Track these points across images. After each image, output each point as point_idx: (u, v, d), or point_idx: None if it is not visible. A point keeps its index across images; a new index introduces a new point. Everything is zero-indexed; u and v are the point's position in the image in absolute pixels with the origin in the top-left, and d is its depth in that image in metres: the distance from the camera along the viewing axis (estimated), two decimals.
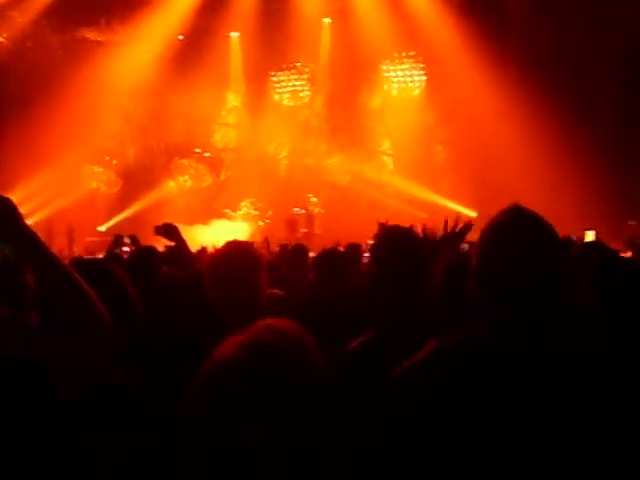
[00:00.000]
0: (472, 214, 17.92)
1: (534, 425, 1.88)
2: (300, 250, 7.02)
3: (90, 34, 21.91)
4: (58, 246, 17.44)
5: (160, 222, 4.92)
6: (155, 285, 4.52)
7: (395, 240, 3.08)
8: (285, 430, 1.54)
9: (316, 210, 21.33)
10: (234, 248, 3.21)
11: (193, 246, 5.17)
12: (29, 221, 2.10)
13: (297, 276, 6.04)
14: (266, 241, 11.13)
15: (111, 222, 20.95)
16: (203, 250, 7.99)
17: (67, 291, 2.07)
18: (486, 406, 1.90)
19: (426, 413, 1.95)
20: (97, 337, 2.10)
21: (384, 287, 2.96)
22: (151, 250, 5.64)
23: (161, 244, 5.80)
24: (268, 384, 1.55)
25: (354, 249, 7.18)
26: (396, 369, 2.06)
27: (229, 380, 1.57)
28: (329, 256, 5.07)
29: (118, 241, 8.71)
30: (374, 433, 2.04)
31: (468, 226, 3.95)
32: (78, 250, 18.34)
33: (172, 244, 4.88)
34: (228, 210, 22.92)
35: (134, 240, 7.81)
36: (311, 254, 7.20)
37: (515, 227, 2.05)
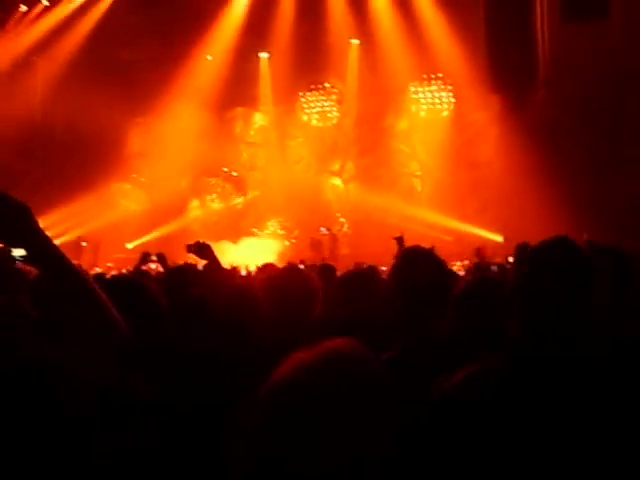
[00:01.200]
0: (498, 238, 17.86)
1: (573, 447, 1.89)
2: (327, 270, 7.02)
3: (125, 54, 22.13)
4: (86, 262, 17.63)
5: (187, 241, 4.94)
6: (185, 303, 4.54)
7: (417, 260, 3.09)
8: (347, 450, 1.53)
9: (343, 230, 21.32)
10: (294, 276, 3.24)
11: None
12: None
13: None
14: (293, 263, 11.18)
15: (139, 241, 21.05)
16: (234, 270, 8.00)
17: (81, 297, 2.09)
18: (526, 430, 1.91)
19: (468, 436, 1.95)
20: (111, 343, 2.12)
21: (405, 307, 2.96)
22: (183, 269, 5.63)
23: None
24: (334, 403, 1.54)
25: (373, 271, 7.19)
26: (434, 390, 2.07)
27: (294, 399, 1.56)
28: (353, 277, 5.05)
29: (145, 258, 8.76)
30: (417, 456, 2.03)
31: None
32: (102, 266, 18.45)
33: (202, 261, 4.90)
34: (255, 229, 23.00)
35: (161, 258, 7.86)
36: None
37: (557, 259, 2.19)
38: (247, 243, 22.21)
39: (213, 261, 4.68)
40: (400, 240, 6.65)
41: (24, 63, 21.83)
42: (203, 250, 4.71)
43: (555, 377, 1.96)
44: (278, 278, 3.24)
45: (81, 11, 21.79)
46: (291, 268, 3.36)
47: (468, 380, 2.04)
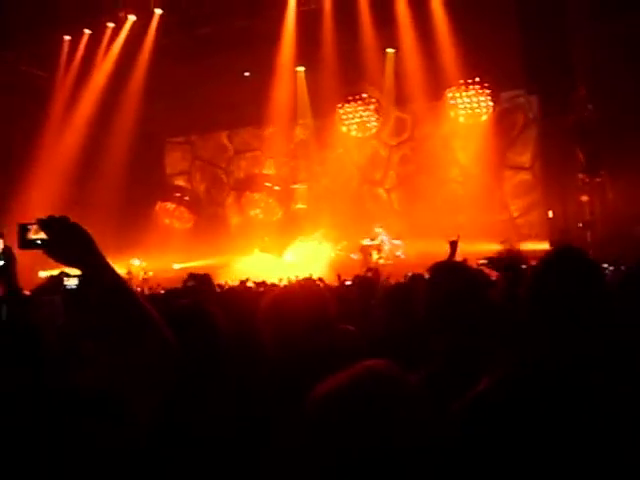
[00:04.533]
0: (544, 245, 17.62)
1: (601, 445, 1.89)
2: (367, 283, 7.02)
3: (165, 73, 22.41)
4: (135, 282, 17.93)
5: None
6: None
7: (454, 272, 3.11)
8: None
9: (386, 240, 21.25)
10: (298, 288, 3.15)
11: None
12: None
13: (365, 309, 6.03)
14: (339, 276, 11.26)
15: (186, 264, 21.11)
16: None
17: (133, 314, 2.17)
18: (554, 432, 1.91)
19: (494, 443, 1.96)
20: (161, 358, 2.18)
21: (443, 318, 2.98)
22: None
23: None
24: (367, 422, 1.60)
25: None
26: (460, 399, 2.08)
27: (332, 420, 1.62)
28: (396, 291, 5.04)
29: (190, 279, 8.80)
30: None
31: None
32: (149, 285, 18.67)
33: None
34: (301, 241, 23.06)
35: (207, 279, 7.89)
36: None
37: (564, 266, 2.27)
38: (296, 252, 22.37)
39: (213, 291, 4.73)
40: (454, 244, 6.48)
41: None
42: (203, 281, 4.80)
43: (576, 383, 1.97)
44: (273, 303, 3.07)
45: (120, 31, 22.15)
46: (289, 290, 3.24)
47: (492, 388, 2.06)
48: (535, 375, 2.03)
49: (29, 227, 2.23)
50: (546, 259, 2.35)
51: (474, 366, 2.48)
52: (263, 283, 10.80)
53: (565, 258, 2.32)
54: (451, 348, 2.90)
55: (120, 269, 17.08)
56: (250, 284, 11.20)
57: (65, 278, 4.36)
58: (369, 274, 11.00)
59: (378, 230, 20.99)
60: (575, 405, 1.94)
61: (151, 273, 21.51)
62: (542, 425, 1.94)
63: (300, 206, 24.42)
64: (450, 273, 3.27)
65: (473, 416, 2.05)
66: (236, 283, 11.45)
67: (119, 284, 2.20)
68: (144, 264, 21.73)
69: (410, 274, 8.66)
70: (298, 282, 3.21)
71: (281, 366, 2.73)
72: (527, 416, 1.95)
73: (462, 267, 3.30)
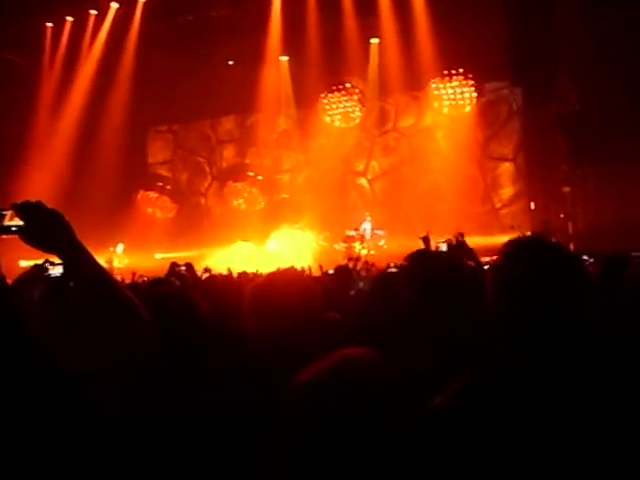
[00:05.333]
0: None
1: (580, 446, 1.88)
2: (346, 273, 7.08)
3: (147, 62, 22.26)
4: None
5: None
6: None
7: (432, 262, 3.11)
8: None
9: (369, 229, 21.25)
10: (283, 278, 3.08)
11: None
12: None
13: (344, 298, 6.08)
14: (321, 267, 11.29)
15: (169, 254, 21.03)
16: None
17: (112, 300, 2.17)
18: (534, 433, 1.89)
19: (469, 444, 1.94)
20: (142, 345, 2.20)
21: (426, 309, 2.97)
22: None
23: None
24: (347, 406, 1.62)
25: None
26: (437, 397, 2.06)
27: (311, 407, 1.64)
28: (383, 278, 5.03)
29: (174, 268, 8.81)
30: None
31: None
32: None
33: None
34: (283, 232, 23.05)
35: (189, 268, 7.91)
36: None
37: (535, 256, 2.12)
38: (278, 241, 22.39)
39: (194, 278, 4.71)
40: (426, 240, 6.53)
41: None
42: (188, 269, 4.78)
43: (549, 384, 1.94)
44: (266, 281, 3.03)
45: (104, 20, 22.03)
46: (279, 271, 3.24)
47: (463, 390, 2.03)
48: (510, 375, 1.99)
49: (4, 213, 2.21)
50: (508, 250, 2.18)
51: (457, 357, 2.48)
52: (244, 274, 10.74)
53: (530, 248, 2.17)
54: (433, 339, 2.89)
55: (101, 258, 17.06)
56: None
57: (49, 266, 4.33)
58: (350, 264, 11.04)
59: (367, 217, 21.02)
60: (556, 405, 1.91)
61: (126, 261, 21.44)
62: (520, 423, 1.91)
63: (283, 196, 24.39)
64: (425, 261, 3.26)
65: (452, 412, 2.03)
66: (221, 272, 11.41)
67: (97, 270, 2.19)
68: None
69: (392, 264, 8.69)
70: (282, 271, 3.11)
71: (265, 356, 2.71)
72: (505, 415, 1.93)
73: (437, 255, 3.30)
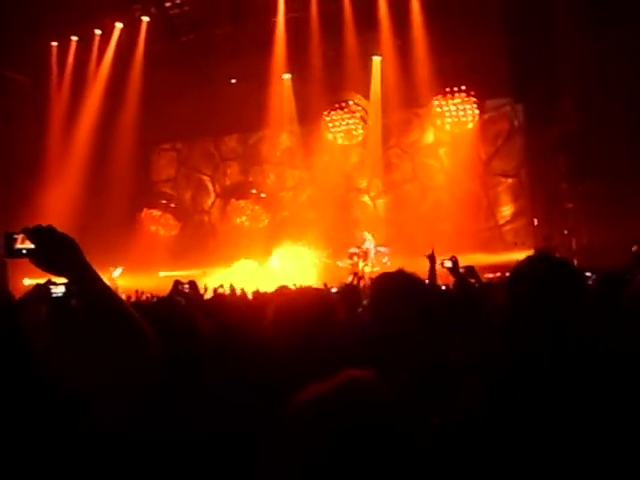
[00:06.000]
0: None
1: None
2: (352, 291, 7.06)
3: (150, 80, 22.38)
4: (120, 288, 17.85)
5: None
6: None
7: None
8: None
9: (372, 247, 21.24)
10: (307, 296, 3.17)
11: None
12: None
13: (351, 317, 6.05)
14: (325, 285, 11.28)
15: (172, 272, 21.06)
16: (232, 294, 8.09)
17: (118, 318, 2.20)
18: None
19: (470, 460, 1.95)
20: (143, 358, 2.23)
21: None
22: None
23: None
24: (346, 432, 1.61)
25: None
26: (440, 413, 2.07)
27: (311, 426, 1.64)
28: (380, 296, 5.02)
29: (177, 286, 8.81)
30: None
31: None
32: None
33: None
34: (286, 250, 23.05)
35: (193, 286, 7.91)
36: None
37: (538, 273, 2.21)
38: (282, 258, 22.38)
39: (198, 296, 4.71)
40: (432, 257, 6.48)
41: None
42: (192, 286, 4.77)
43: (551, 398, 1.96)
44: (292, 301, 3.13)
45: (109, 40, 22.21)
46: (306, 290, 3.32)
47: (470, 405, 2.04)
48: (516, 389, 2.01)
49: (16, 236, 2.24)
50: (515, 268, 2.30)
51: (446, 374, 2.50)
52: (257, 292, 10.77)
53: (537, 266, 2.26)
54: (424, 352, 2.91)
55: (105, 276, 17.04)
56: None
57: (52, 286, 4.38)
58: (354, 281, 11.02)
59: (367, 236, 21.03)
60: (558, 414, 1.93)
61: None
62: (525, 435, 1.92)
63: (286, 213, 24.41)
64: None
65: (452, 433, 2.04)
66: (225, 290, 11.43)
67: (105, 293, 2.22)
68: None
69: None
70: (306, 288, 3.29)
71: (279, 370, 2.75)
72: (507, 432, 1.94)
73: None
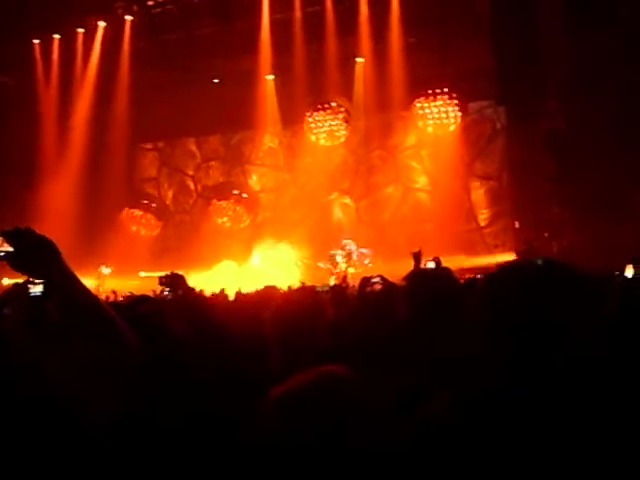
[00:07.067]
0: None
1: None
2: (338, 291, 7.06)
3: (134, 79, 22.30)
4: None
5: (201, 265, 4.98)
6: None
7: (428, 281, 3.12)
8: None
9: (354, 249, 21.28)
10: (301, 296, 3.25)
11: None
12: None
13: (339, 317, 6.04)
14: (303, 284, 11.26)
15: (152, 274, 21.00)
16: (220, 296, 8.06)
17: (98, 322, 2.21)
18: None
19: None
20: (123, 359, 2.24)
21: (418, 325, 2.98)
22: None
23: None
24: (320, 421, 1.64)
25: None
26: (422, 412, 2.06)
27: (285, 421, 1.66)
28: (369, 296, 5.06)
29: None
30: None
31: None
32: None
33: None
34: (268, 250, 23.03)
35: (182, 280, 7.85)
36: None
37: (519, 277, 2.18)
38: (263, 258, 22.36)
39: (187, 292, 4.63)
40: (417, 256, 6.45)
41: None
42: (176, 281, 4.66)
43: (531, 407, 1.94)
44: (287, 300, 3.23)
45: (92, 38, 22.11)
46: (301, 289, 3.40)
47: (446, 410, 2.03)
48: (496, 396, 1.99)
49: None
50: (490, 276, 2.28)
51: (444, 376, 2.48)
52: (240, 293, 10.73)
53: (512, 273, 2.24)
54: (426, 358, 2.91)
55: (86, 278, 16.96)
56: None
57: (30, 285, 4.35)
58: (343, 284, 11.04)
59: (347, 241, 21.05)
60: (537, 421, 1.91)
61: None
62: (501, 442, 1.91)
63: (268, 214, 24.40)
64: (427, 282, 3.29)
65: (430, 432, 2.02)
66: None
67: (83, 295, 2.20)
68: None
69: (375, 277, 8.67)
70: (299, 289, 3.38)
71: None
72: (486, 435, 1.92)
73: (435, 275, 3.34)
